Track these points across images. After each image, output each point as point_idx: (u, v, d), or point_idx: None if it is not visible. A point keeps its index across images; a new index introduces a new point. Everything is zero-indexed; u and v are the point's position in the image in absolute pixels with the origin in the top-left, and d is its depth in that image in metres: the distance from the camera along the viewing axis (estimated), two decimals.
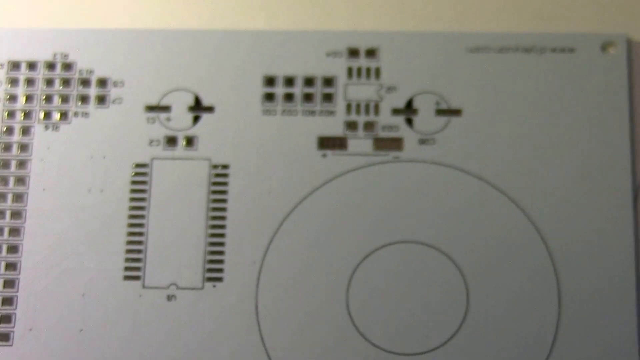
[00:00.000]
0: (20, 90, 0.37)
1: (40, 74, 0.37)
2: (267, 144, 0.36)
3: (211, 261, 0.35)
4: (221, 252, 0.35)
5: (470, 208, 0.35)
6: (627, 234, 0.34)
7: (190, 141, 0.36)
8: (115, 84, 0.36)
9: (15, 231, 0.35)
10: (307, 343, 0.34)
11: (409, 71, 0.36)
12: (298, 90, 0.36)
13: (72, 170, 0.36)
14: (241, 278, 0.35)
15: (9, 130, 0.36)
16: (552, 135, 0.35)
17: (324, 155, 0.36)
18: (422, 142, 0.35)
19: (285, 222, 0.35)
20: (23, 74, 0.37)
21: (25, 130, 0.36)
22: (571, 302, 0.34)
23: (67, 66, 0.37)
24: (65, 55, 0.37)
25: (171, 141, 0.36)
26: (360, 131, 0.36)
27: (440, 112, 0.36)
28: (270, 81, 0.36)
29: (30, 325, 0.35)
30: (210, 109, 0.36)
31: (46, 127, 0.36)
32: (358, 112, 0.36)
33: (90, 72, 0.37)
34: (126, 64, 0.37)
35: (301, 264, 0.35)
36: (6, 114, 0.37)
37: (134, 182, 0.36)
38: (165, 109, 0.36)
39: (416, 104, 0.36)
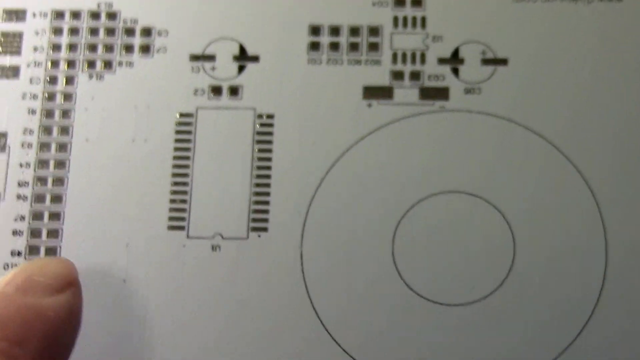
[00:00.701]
0: (64, 40, 0.36)
1: (85, 23, 0.35)
2: (312, 94, 0.34)
3: (256, 211, 0.34)
4: (266, 202, 0.34)
5: (516, 157, 0.33)
6: None
7: (235, 91, 0.34)
8: (159, 33, 0.35)
9: (58, 181, 0.34)
10: (351, 293, 0.33)
11: (455, 20, 0.35)
12: (344, 39, 0.35)
13: (115, 120, 0.35)
14: (286, 228, 0.33)
15: (53, 80, 0.35)
16: (598, 84, 0.34)
17: (369, 105, 0.34)
18: (468, 91, 0.34)
19: (330, 172, 0.33)
20: (67, 23, 0.36)
21: (69, 80, 0.35)
22: (618, 253, 0.33)
23: (111, 15, 0.35)
24: (110, 5, 0.35)
25: (216, 91, 0.34)
26: (406, 81, 0.34)
27: (486, 61, 0.34)
28: (315, 30, 0.35)
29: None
30: (255, 59, 0.35)
31: (90, 77, 0.35)
32: (404, 61, 0.34)
33: (135, 21, 0.35)
34: (170, 13, 0.35)
35: (346, 214, 0.33)
36: (50, 63, 0.35)
37: (178, 132, 0.34)
38: (210, 58, 0.35)
39: (462, 53, 0.35)
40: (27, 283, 0.29)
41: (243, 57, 0.35)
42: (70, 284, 0.30)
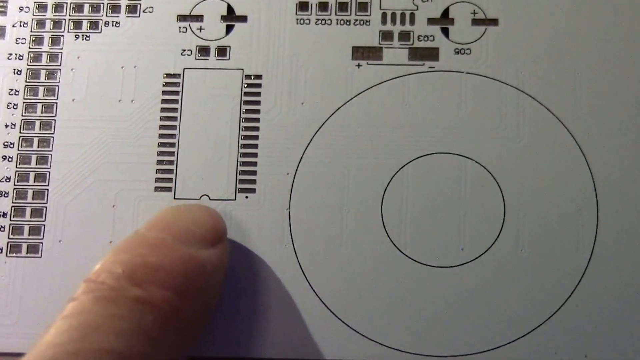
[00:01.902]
0: None
1: None
2: (301, 54, 0.32)
3: (243, 172, 0.31)
4: (254, 164, 0.31)
5: (507, 118, 0.31)
6: None
7: (222, 51, 0.31)
8: None
9: (44, 142, 0.32)
10: (340, 255, 0.31)
11: None
12: None
13: (102, 80, 0.32)
14: (274, 189, 0.31)
15: (38, 40, 0.32)
16: (591, 44, 0.31)
17: (359, 65, 0.32)
18: (458, 52, 0.31)
19: (319, 133, 0.31)
20: None
21: (55, 40, 0.32)
22: (609, 214, 0.31)
23: None
24: None
25: (203, 51, 0.31)
26: (396, 41, 0.31)
27: (476, 21, 0.32)
28: None
29: (60, 237, 0.31)
30: (243, 18, 0.32)
31: (76, 37, 0.32)
32: (393, 21, 0.32)
33: None
34: None
35: (335, 176, 0.31)
36: (35, 23, 0.32)
37: (165, 92, 0.32)
38: (197, 18, 0.32)
39: (452, 13, 0.32)
40: (186, 233, 0.27)
41: (231, 17, 0.33)
42: (222, 237, 0.28)
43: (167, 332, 0.25)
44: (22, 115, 0.32)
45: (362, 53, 0.32)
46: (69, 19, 0.32)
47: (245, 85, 0.32)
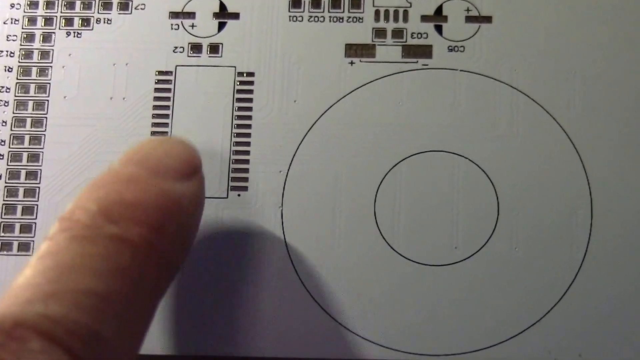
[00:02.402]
0: None
1: None
2: (294, 51, 0.31)
3: (236, 170, 0.30)
4: (246, 161, 0.30)
5: (501, 116, 0.30)
6: None
7: (215, 48, 0.30)
8: None
9: (35, 140, 0.31)
10: (332, 253, 0.30)
11: None
12: None
13: (93, 77, 0.31)
14: (266, 187, 0.30)
15: (30, 37, 0.31)
16: (586, 42, 0.30)
17: (351, 63, 0.31)
18: (452, 49, 0.30)
19: (312, 131, 0.30)
20: None
21: (46, 37, 0.31)
22: (604, 213, 0.30)
23: None
24: None
25: (195, 48, 0.30)
26: (389, 38, 0.30)
27: (470, 18, 0.31)
28: None
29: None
30: (235, 15, 0.31)
31: (67, 34, 0.31)
32: (386, 18, 0.31)
33: None
34: None
35: (328, 174, 0.30)
36: (27, 20, 0.31)
37: (157, 90, 0.31)
38: (190, 15, 0.31)
39: (446, 10, 0.31)
40: (161, 166, 0.25)
41: (223, 14, 0.32)
42: (197, 169, 0.26)
43: (145, 270, 0.23)
44: (13, 113, 0.31)
45: (355, 50, 0.31)
46: (61, 16, 0.31)
47: (238, 83, 0.31)
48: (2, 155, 0.31)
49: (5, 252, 0.30)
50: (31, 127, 0.31)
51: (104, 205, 0.24)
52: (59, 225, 0.24)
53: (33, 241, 0.30)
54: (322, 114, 0.30)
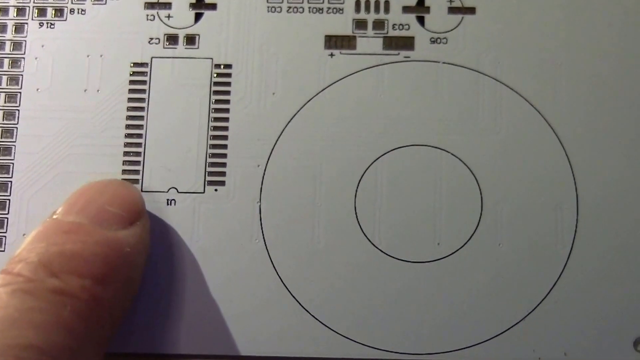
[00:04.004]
0: None
1: None
2: (272, 43, 0.28)
3: (213, 164, 0.28)
4: (223, 155, 0.28)
5: (484, 109, 0.27)
6: None
7: (191, 40, 0.28)
8: None
9: (7, 133, 0.28)
10: (311, 249, 0.27)
11: None
12: None
13: (67, 69, 0.28)
14: (244, 182, 0.27)
15: (1, 28, 0.29)
16: (569, 34, 0.28)
17: (331, 55, 0.28)
18: (434, 41, 0.28)
19: (290, 124, 0.27)
20: None
21: (19, 28, 0.28)
22: (589, 206, 0.27)
23: None
24: None
25: (171, 39, 0.27)
26: (370, 30, 0.28)
27: (453, 10, 0.28)
28: None
29: (23, 230, 0.27)
30: (212, 6, 0.29)
31: (40, 24, 0.28)
32: (367, 9, 0.28)
33: None
34: None
35: (306, 168, 0.27)
36: None
37: (132, 82, 0.28)
38: (166, 5, 0.29)
39: (428, 1, 0.29)
40: (102, 214, 0.24)
41: (200, 4, 0.29)
42: (140, 214, 0.25)
43: (88, 322, 0.22)
44: None
45: (335, 42, 0.28)
46: (33, 6, 0.29)
47: (215, 75, 0.28)
48: None
49: None
50: (3, 120, 0.28)
51: (45, 257, 0.22)
52: (1, 279, 0.22)
53: (5, 237, 0.27)
54: (302, 107, 0.28)
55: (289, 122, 0.27)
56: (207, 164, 0.27)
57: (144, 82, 0.28)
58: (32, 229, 0.25)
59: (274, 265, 0.27)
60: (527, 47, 0.28)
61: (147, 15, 0.28)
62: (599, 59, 0.28)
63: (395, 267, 0.26)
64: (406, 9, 0.28)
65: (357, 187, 0.27)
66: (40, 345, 0.21)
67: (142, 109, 0.28)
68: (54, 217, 0.24)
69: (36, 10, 0.28)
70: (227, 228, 0.27)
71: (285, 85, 0.28)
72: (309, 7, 0.28)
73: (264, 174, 0.27)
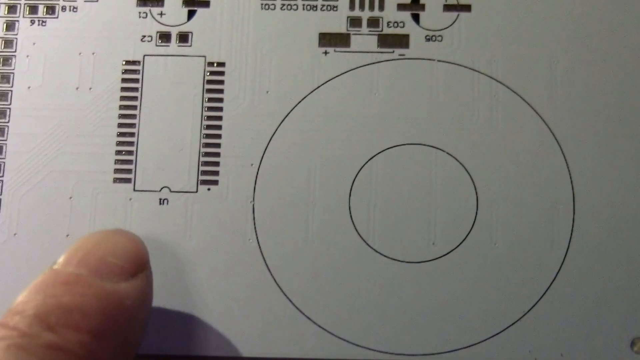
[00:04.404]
0: None
1: None
2: (266, 41, 0.27)
3: (206, 163, 0.27)
4: (216, 154, 0.27)
5: (480, 108, 0.27)
6: None
7: (184, 37, 0.27)
8: None
9: None
10: (305, 249, 0.26)
11: None
12: None
13: (59, 67, 0.28)
14: (237, 181, 0.27)
15: None
16: (566, 32, 0.27)
17: (326, 53, 0.27)
18: (429, 39, 0.27)
19: (284, 123, 0.27)
20: None
21: (10, 25, 0.28)
22: (586, 207, 0.26)
23: None
24: None
25: (164, 37, 0.27)
26: (364, 27, 0.27)
27: (448, 7, 0.27)
28: None
29: (15, 229, 0.27)
30: (205, 3, 0.28)
31: (32, 22, 0.28)
32: (362, 7, 0.27)
33: None
34: None
35: (301, 167, 0.27)
36: None
37: (124, 80, 0.27)
38: (158, 2, 0.28)
39: None
40: (102, 266, 0.22)
41: (193, 1, 0.28)
42: (143, 267, 0.23)
43: None
44: None
45: (329, 40, 0.27)
46: (25, 4, 0.28)
47: (208, 73, 0.27)
48: None
49: None
50: None
51: (42, 311, 0.21)
52: None
53: None
54: (295, 106, 0.27)
55: (283, 120, 0.27)
56: (200, 163, 0.26)
57: (136, 80, 0.27)
58: (24, 229, 0.25)
59: (267, 265, 0.26)
60: (523, 45, 0.27)
61: (140, 12, 0.28)
62: (596, 56, 0.27)
63: (390, 267, 0.26)
64: (401, 7, 0.27)
65: (352, 186, 0.26)
66: None
67: (134, 107, 0.27)
68: (54, 267, 0.23)
69: (27, 8, 0.28)
70: (221, 228, 0.26)
71: (278, 84, 0.27)
72: (303, 5, 0.27)
73: (257, 173, 0.26)
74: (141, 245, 0.24)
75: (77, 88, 0.27)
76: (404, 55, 0.27)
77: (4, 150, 0.27)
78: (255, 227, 0.26)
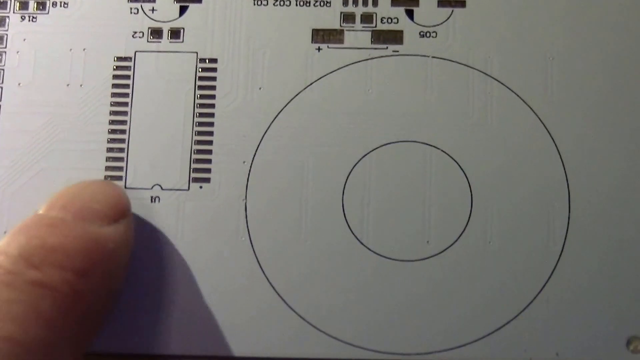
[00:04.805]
0: None
1: None
2: (258, 37, 0.27)
3: (198, 160, 0.26)
4: (209, 152, 0.26)
5: (475, 105, 0.26)
6: None
7: (176, 33, 0.26)
8: None
9: None
10: (298, 248, 0.26)
11: None
12: None
13: (49, 63, 0.27)
14: (230, 179, 0.26)
15: None
16: (562, 28, 0.27)
17: (319, 49, 0.27)
18: (423, 35, 0.26)
19: (277, 120, 0.26)
20: None
21: (0, 21, 0.26)
22: (581, 205, 0.26)
23: None
24: None
25: (156, 33, 0.26)
26: (358, 23, 0.26)
27: (442, 3, 0.27)
28: None
29: (5, 227, 0.26)
30: None
31: (22, 18, 0.27)
32: (355, 3, 0.27)
33: None
34: None
35: (293, 165, 0.26)
36: None
37: (115, 77, 0.27)
38: None
39: None
40: (85, 211, 0.23)
41: None
42: (125, 213, 0.24)
43: (67, 317, 0.21)
44: None
45: (322, 36, 0.27)
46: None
47: (200, 70, 0.27)
48: None
49: None
50: None
51: (26, 250, 0.21)
52: None
53: None
54: (288, 102, 0.26)
55: (276, 117, 0.26)
56: (192, 160, 0.26)
57: (127, 77, 0.26)
58: (14, 226, 0.24)
59: (259, 264, 0.25)
60: (518, 41, 0.26)
61: (131, 8, 0.27)
62: (591, 52, 0.26)
63: (384, 265, 0.25)
64: (395, 2, 0.27)
65: (345, 184, 0.25)
66: (17, 337, 0.20)
67: (125, 104, 0.26)
68: (37, 212, 0.23)
69: (18, 4, 0.27)
70: (213, 226, 0.26)
71: (271, 80, 0.26)
72: (296, 0, 0.27)
73: (249, 170, 0.26)
74: (122, 193, 0.25)
75: (67, 84, 0.26)
76: (397, 51, 0.26)
77: None
78: (247, 225, 0.25)
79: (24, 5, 0.27)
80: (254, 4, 0.27)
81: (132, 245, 0.24)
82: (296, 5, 0.27)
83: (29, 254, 0.21)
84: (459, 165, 0.25)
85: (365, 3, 0.27)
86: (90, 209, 0.23)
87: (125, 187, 0.26)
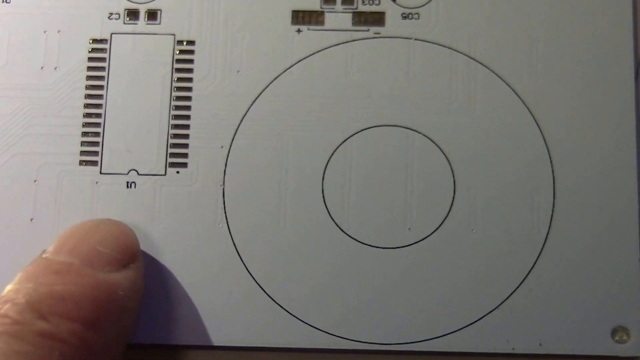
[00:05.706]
0: None
1: None
2: (237, 18, 0.25)
3: (174, 145, 0.25)
4: (185, 136, 0.25)
5: (458, 88, 0.25)
6: (628, 118, 0.25)
7: (153, 15, 0.25)
8: None
9: None
10: (277, 235, 0.24)
11: None
12: None
13: (23, 46, 0.25)
14: (207, 163, 0.25)
15: None
16: (547, 10, 0.25)
17: (299, 31, 0.25)
18: (405, 16, 0.25)
19: (256, 103, 0.25)
20: None
21: None
22: (566, 191, 0.24)
23: None
24: None
25: (132, 14, 0.25)
26: (338, 4, 0.25)
27: None
28: None
29: None
30: None
31: None
32: None
33: None
34: None
35: (272, 149, 0.25)
36: None
37: (91, 59, 0.25)
38: None
39: None
40: (94, 255, 0.22)
41: None
42: (134, 257, 0.23)
43: None
44: None
45: (302, 17, 0.25)
46: None
47: (177, 52, 0.25)
48: None
49: None
50: None
51: (34, 299, 0.20)
52: None
53: None
54: (267, 86, 0.25)
55: (254, 101, 0.25)
56: (169, 145, 0.25)
57: (103, 59, 0.25)
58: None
59: (237, 251, 0.24)
60: (503, 23, 0.25)
61: None
62: (576, 35, 0.25)
63: (364, 253, 0.24)
64: None
65: (325, 170, 0.24)
66: None
67: (101, 87, 0.25)
68: (44, 255, 0.22)
69: None
70: (190, 212, 0.24)
71: (250, 63, 0.25)
72: None
73: (227, 155, 0.24)
74: (132, 235, 0.23)
75: (42, 67, 0.25)
76: (379, 33, 0.25)
77: None
78: (225, 212, 0.24)
79: None
80: None
81: (142, 292, 0.23)
82: None
83: (37, 303, 0.20)
84: (442, 151, 0.24)
85: None
86: (99, 254, 0.22)
87: (101, 172, 0.24)
